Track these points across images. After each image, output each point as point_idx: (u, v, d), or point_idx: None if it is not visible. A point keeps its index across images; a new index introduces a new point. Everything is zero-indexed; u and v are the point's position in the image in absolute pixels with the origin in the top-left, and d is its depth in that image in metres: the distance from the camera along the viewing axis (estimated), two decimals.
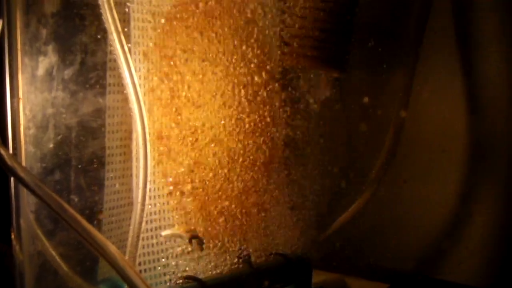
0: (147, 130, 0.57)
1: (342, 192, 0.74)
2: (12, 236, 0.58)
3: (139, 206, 0.56)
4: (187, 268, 0.62)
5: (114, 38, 0.55)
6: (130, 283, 0.50)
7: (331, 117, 0.71)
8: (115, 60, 0.60)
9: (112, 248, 0.50)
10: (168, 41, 0.62)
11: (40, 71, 0.57)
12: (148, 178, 0.57)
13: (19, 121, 0.56)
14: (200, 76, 0.63)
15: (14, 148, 0.56)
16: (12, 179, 0.57)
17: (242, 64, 0.66)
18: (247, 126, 0.66)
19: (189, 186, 0.63)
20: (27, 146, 0.57)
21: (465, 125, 0.74)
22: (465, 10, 0.75)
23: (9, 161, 0.52)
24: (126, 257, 0.56)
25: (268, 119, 0.68)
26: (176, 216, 0.62)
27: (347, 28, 0.69)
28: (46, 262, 0.58)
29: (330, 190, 0.73)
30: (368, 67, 0.73)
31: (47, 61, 0.57)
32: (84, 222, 0.51)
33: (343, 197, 0.74)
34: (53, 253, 0.58)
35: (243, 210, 0.65)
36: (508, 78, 0.73)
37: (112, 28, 0.55)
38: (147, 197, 0.56)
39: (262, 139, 0.67)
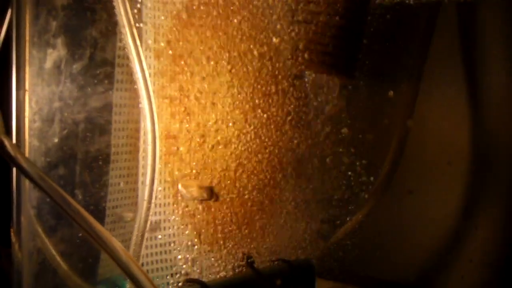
0: (156, 127, 0.53)
1: (346, 201, 0.70)
2: (12, 233, 0.54)
3: (145, 204, 0.52)
4: (190, 271, 0.57)
5: (126, 31, 0.51)
6: (134, 279, 0.45)
7: (337, 124, 0.67)
8: (124, 57, 0.56)
9: (116, 244, 0.46)
10: (180, 40, 0.58)
11: (48, 64, 0.53)
12: (156, 176, 0.52)
13: (24, 113, 0.52)
14: (211, 78, 0.60)
15: (18, 141, 0.52)
16: (14, 174, 0.53)
17: (253, 68, 0.63)
18: (255, 129, 0.62)
19: (195, 188, 0.59)
20: (32, 140, 0.52)
21: (470, 137, 0.71)
22: (471, 23, 0.72)
23: (12, 151, 0.48)
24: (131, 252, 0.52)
25: (277, 123, 0.64)
26: (182, 218, 0.58)
27: (358, 35, 0.65)
28: (45, 260, 0.53)
29: (334, 199, 0.69)
30: (375, 75, 0.70)
31: (55, 54, 0.53)
32: (87, 216, 0.46)
33: (348, 205, 0.70)
34: (53, 251, 0.53)
35: (249, 215, 0.61)
36: None
37: (125, 21, 0.51)
38: (153, 195, 0.52)
39: (269, 143, 0.63)
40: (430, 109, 0.73)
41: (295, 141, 0.65)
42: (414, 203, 0.70)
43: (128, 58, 0.55)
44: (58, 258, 0.53)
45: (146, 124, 0.53)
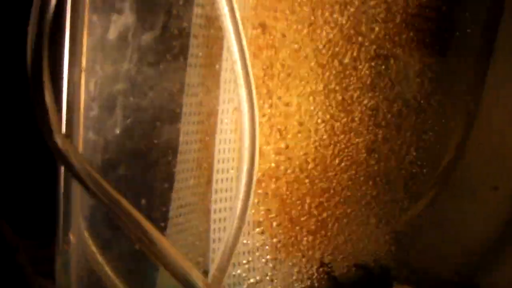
0: (256, 120, 0.40)
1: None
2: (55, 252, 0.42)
3: (236, 222, 0.41)
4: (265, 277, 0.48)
5: None
6: None
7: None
8: (201, 26, 0.43)
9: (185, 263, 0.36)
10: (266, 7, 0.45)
11: (112, 34, 0.39)
12: (252, 188, 0.41)
13: (79, 99, 0.39)
14: (296, 55, 0.48)
15: (68, 135, 0.39)
16: (62, 172, 0.40)
17: (342, 50, 0.51)
18: (339, 124, 0.52)
19: (273, 185, 0.48)
20: (87, 132, 0.40)
21: None
22: None
23: (61, 145, 0.36)
24: (209, 281, 0.42)
25: (362, 118, 0.53)
26: (259, 220, 0.48)
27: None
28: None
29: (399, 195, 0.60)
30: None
31: (121, 21, 0.39)
32: (149, 227, 0.36)
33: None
34: (108, 271, 0.42)
35: (329, 216, 0.52)
36: None
37: None
38: (247, 212, 0.41)
39: (353, 141, 0.53)
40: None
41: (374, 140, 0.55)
42: (472, 200, 0.63)
43: (205, 27, 0.43)
44: (115, 279, 0.42)
45: (243, 107, 0.41)
